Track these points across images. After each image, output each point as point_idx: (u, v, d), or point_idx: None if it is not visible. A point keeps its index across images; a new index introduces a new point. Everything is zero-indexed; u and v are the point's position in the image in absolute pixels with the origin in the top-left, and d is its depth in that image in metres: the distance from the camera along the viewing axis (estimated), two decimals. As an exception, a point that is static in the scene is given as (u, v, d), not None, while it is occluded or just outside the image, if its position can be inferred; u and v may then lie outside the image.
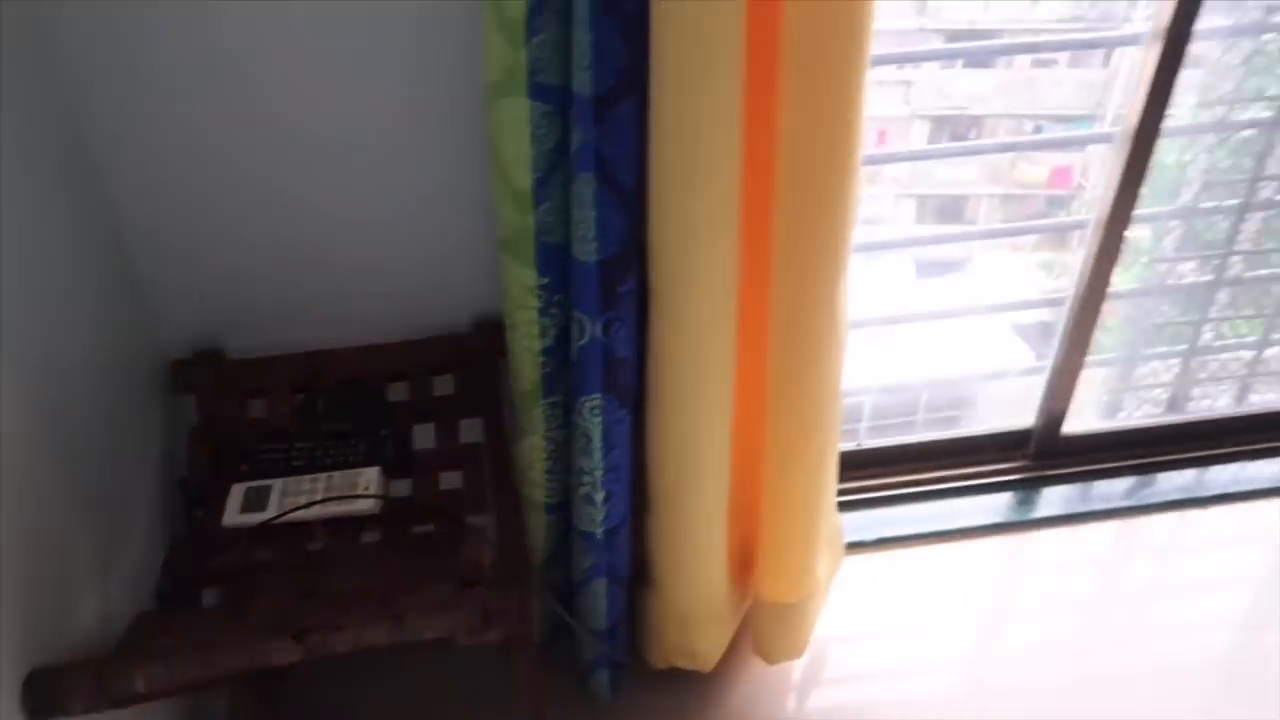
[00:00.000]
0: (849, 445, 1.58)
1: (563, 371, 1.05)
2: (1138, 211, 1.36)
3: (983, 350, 2.41)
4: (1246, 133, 1.47)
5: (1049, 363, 1.52)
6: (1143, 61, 1.24)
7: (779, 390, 1.05)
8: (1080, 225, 1.38)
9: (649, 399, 1.05)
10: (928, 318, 1.59)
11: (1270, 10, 1.36)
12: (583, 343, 0.98)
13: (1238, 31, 1.38)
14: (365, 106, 1.02)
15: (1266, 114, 1.44)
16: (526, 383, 1.06)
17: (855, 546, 1.49)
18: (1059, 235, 1.65)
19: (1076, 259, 1.42)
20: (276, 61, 0.98)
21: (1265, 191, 1.49)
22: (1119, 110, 1.30)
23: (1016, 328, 2.80)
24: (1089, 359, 1.53)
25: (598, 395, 1.00)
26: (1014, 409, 1.66)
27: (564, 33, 0.84)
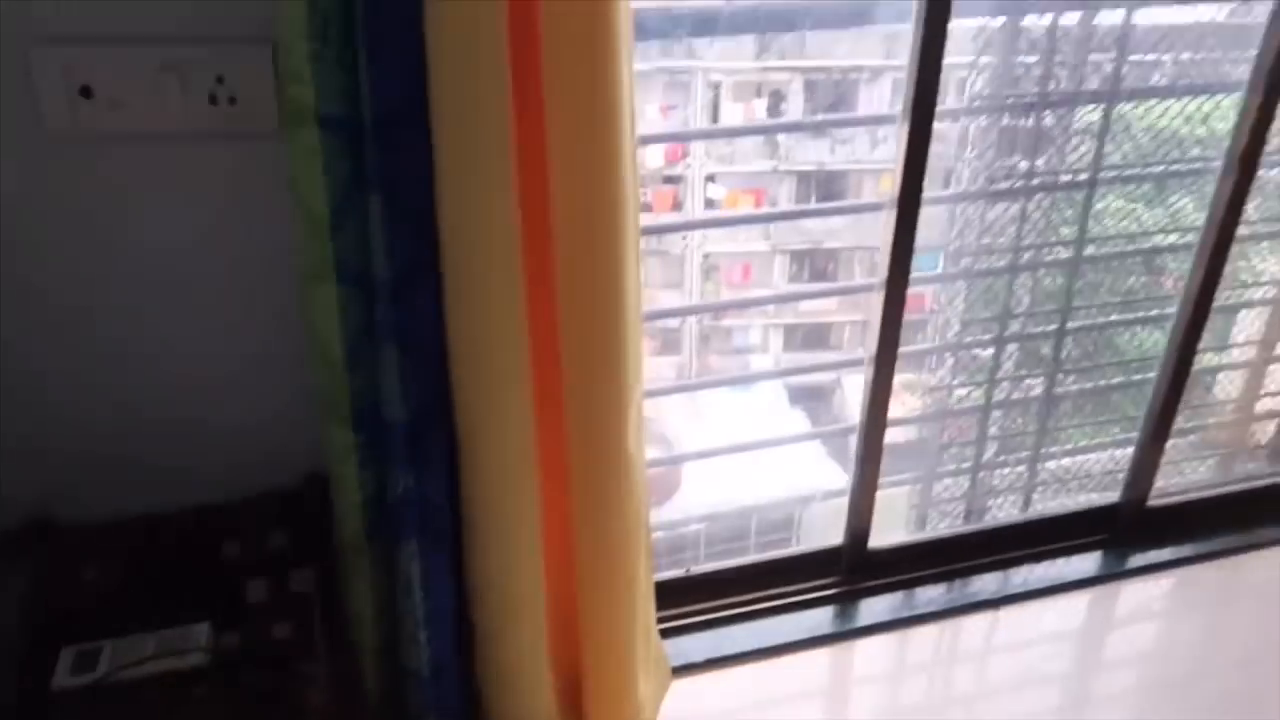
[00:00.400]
0: (678, 572, 1.71)
1: (383, 521, 1.14)
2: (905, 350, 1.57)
3: (803, 473, 2.61)
4: (992, 280, 1.73)
5: (848, 483, 1.70)
6: (885, 223, 1.47)
7: (583, 527, 1.18)
8: (856, 363, 1.59)
9: (464, 542, 1.15)
10: (756, 446, 1.76)
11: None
12: (398, 494, 1.09)
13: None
14: (194, 269, 1.13)
15: (1000, 264, 1.71)
16: (351, 533, 1.15)
17: (684, 669, 1.59)
18: (918, 358, 1.86)
19: (934, 378, 1.62)
20: (109, 223, 1.08)
21: (1014, 326, 1.74)
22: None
23: (832, 450, 3.03)
24: (890, 478, 1.71)
25: (414, 541, 1.11)
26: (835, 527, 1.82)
27: (363, 231, 0.98)
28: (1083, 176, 1.65)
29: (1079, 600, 1.80)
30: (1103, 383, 1.87)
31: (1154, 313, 1.81)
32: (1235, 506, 1.96)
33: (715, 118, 12.09)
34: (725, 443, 1.80)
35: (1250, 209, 1.65)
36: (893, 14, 1.34)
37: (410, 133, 0.93)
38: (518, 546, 1.14)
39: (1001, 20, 1.52)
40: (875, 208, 1.48)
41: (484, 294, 1.00)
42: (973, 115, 1.65)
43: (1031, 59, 1.54)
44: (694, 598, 1.70)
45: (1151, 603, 1.84)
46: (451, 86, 0.91)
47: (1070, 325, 1.77)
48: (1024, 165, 1.61)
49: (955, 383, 1.80)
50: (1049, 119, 1.63)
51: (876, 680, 1.66)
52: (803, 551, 1.75)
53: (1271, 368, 2.02)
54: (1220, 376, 2.00)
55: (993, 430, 1.87)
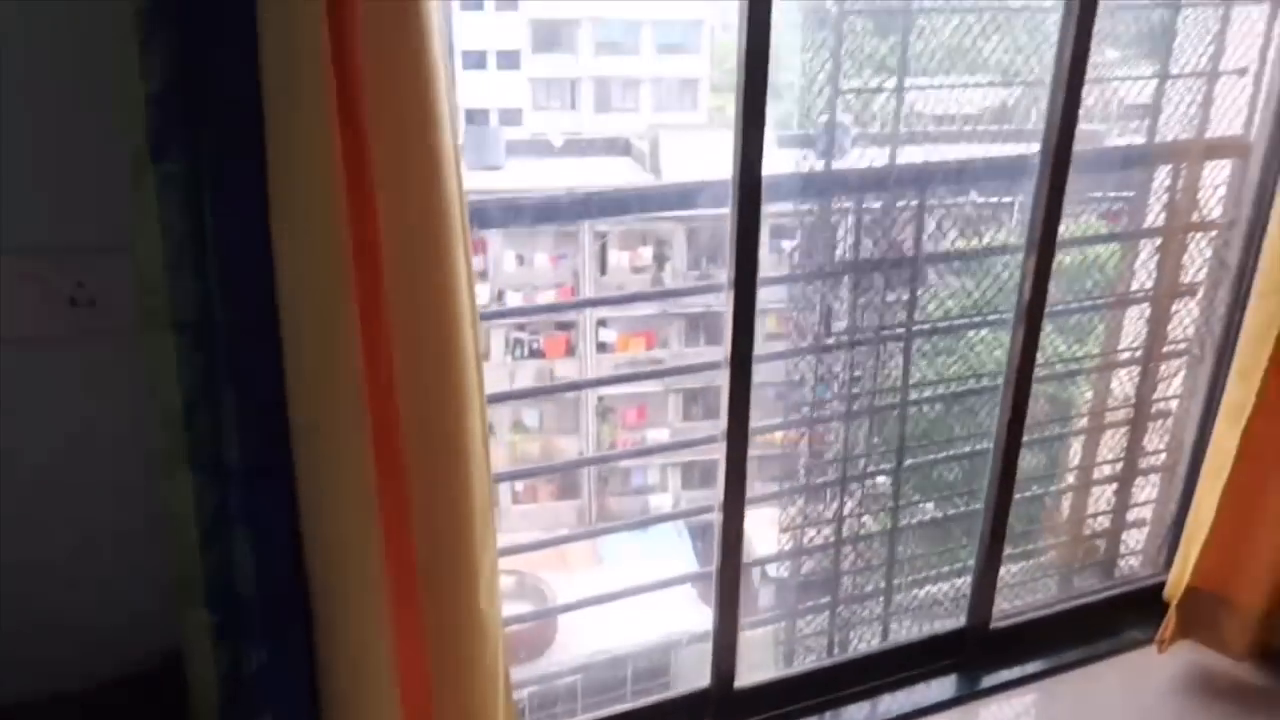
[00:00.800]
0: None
1: (240, 697, 1.17)
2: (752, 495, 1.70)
3: (679, 616, 2.67)
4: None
5: (710, 626, 1.78)
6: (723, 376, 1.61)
7: (440, 688, 1.23)
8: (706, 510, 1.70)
9: (322, 715, 1.19)
10: (627, 594, 1.83)
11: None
12: (253, 670, 1.13)
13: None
14: (52, 461, 1.18)
15: (840, 407, 1.87)
16: (208, 710, 1.17)
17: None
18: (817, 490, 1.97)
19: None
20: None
21: (855, 467, 1.89)
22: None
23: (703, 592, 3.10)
24: (753, 618, 1.80)
25: (270, 717, 1.14)
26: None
27: (216, 422, 1.06)
28: (899, 330, 1.85)
29: (939, 723, 1.90)
30: (939, 515, 2.03)
31: (975, 448, 1.99)
32: (1074, 621, 2.11)
33: (604, 267, 12.52)
34: (597, 592, 1.88)
35: (1048, 351, 1.86)
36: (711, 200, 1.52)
37: (260, 335, 1.02)
38: (378, 716, 1.18)
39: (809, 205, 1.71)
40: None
41: (334, 479, 1.08)
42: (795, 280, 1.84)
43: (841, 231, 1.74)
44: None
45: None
46: (298, 296, 1.02)
47: (906, 463, 1.93)
48: (844, 324, 1.79)
49: (805, 522, 1.92)
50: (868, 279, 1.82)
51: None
52: (671, 697, 1.81)
53: (1095, 490, 2.21)
54: (1048, 501, 2.19)
55: (845, 565, 2.00)
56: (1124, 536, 2.26)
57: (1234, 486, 1.81)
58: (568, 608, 1.75)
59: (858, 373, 1.89)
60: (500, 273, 11.88)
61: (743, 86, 1.44)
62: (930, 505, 2.03)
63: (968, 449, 2.02)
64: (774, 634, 2.01)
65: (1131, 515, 2.24)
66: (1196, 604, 1.92)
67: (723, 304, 1.55)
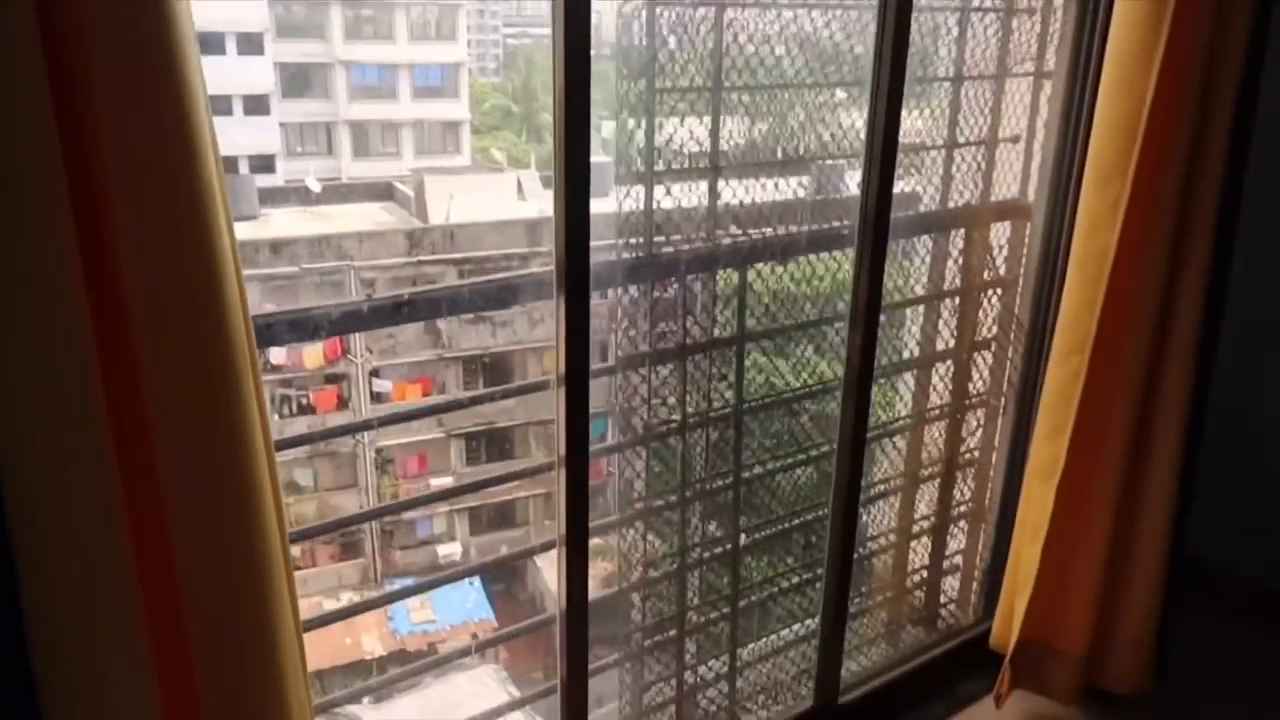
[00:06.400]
0: None
1: None
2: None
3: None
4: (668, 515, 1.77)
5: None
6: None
7: None
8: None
9: None
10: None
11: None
12: None
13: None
14: None
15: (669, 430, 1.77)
16: None
17: None
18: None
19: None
20: None
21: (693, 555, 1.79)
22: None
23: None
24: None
25: None
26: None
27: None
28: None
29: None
30: (783, 584, 1.96)
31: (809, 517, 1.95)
32: (911, 683, 2.12)
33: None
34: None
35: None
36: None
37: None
38: None
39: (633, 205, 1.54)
40: (543, 386, 1.49)
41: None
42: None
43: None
44: None
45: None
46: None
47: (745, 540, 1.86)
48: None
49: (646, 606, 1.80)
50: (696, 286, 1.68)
51: None
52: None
53: (915, 544, 2.24)
54: (874, 562, 2.18)
55: (689, 658, 1.89)
56: (944, 585, 2.30)
57: (1053, 541, 1.86)
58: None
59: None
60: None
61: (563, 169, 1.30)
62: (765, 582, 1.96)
63: (799, 521, 1.97)
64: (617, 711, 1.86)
65: (947, 565, 2.29)
66: (1026, 655, 1.96)
67: (500, 344, 1.37)
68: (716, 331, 1.72)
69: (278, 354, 10.84)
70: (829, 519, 1.89)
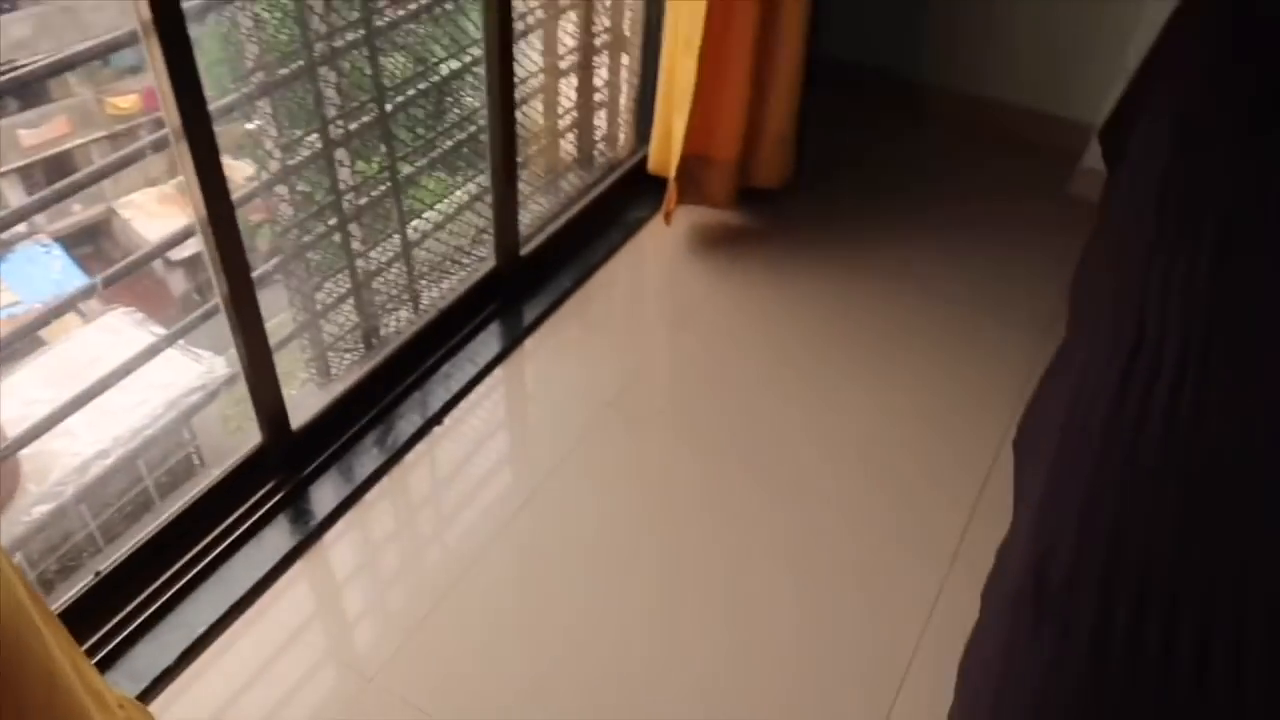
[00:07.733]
0: (88, 581, 1.30)
1: None
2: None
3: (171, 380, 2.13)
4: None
5: (236, 368, 1.40)
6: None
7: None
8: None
9: None
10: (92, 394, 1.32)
11: None
12: None
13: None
14: None
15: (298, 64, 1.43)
16: None
17: (160, 682, 1.27)
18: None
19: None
20: None
21: (337, 129, 1.51)
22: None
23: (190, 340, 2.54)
24: (276, 340, 1.45)
25: None
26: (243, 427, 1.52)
27: None
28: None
29: (495, 384, 1.80)
30: (444, 147, 1.76)
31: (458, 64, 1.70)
32: (585, 223, 2.10)
33: None
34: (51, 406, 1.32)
35: None
36: None
37: None
38: None
39: None
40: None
41: None
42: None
43: None
44: (125, 596, 1.33)
45: (559, 346, 1.90)
46: None
47: (391, 106, 1.60)
48: None
49: (303, 217, 1.53)
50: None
51: (365, 569, 1.49)
52: (232, 467, 1.45)
53: (563, 83, 2.08)
54: (528, 109, 2.01)
55: (357, 245, 1.68)
56: (595, 121, 2.21)
57: (707, 55, 1.81)
58: (21, 443, 1.23)
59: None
60: None
61: None
62: (428, 146, 1.74)
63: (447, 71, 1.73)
64: (303, 350, 1.67)
65: (597, 99, 2.19)
66: (688, 171, 1.99)
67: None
68: None
69: None
70: (484, 63, 1.67)
